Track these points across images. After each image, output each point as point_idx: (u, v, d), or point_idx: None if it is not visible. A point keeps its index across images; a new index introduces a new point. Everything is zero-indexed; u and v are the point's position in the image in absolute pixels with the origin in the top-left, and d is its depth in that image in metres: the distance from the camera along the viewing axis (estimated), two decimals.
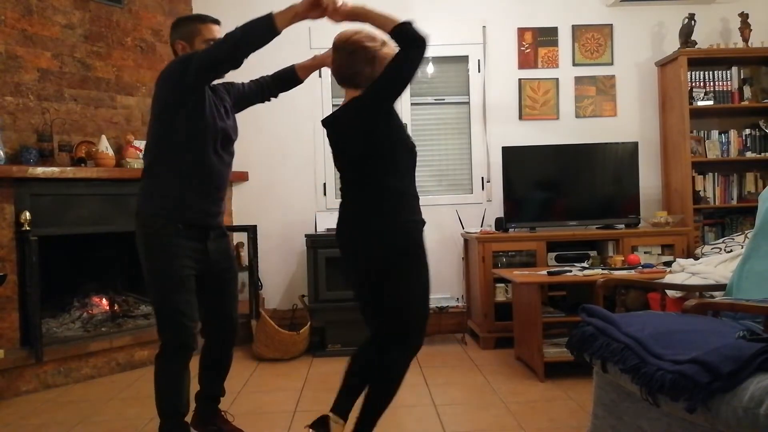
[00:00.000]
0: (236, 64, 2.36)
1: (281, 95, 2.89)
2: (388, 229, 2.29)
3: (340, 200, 2.38)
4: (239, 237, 4.62)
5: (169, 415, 2.46)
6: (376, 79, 2.21)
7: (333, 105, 4.85)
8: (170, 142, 2.43)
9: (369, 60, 2.26)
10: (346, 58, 2.27)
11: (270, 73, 2.87)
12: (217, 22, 2.59)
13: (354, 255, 2.31)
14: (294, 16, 2.29)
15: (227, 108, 2.59)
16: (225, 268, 2.63)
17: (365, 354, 2.33)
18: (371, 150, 2.28)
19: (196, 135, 2.42)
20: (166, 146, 2.45)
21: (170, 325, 2.42)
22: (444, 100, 4.99)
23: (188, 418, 2.55)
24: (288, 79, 2.82)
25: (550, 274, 3.66)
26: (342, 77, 2.30)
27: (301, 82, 2.85)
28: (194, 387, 2.74)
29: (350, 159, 2.32)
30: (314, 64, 2.82)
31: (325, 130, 2.39)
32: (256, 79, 2.82)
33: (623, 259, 3.95)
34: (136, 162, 4.07)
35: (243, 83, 2.77)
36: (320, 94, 4.83)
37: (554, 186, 4.61)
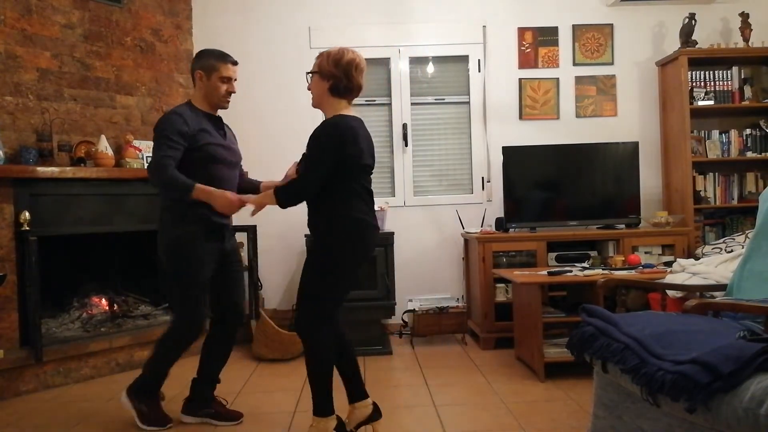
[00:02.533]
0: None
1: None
2: None
3: (366, 201, 2.61)
4: (239, 237, 4.55)
5: (152, 376, 2.90)
6: None
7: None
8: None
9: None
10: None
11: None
12: (235, 63, 2.90)
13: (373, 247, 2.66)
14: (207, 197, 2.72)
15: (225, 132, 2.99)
16: (235, 261, 3.03)
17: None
18: None
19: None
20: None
21: (189, 316, 2.82)
22: (444, 99, 4.99)
23: (176, 407, 3.00)
24: (250, 191, 3.06)
25: (550, 274, 3.65)
26: (359, 92, 2.67)
27: None
28: (186, 376, 2.81)
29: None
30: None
31: (359, 128, 2.57)
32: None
33: (624, 259, 3.94)
34: (135, 162, 4.07)
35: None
36: None
37: (555, 186, 4.61)
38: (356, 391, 2.68)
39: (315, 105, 2.68)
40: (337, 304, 2.61)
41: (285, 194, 2.54)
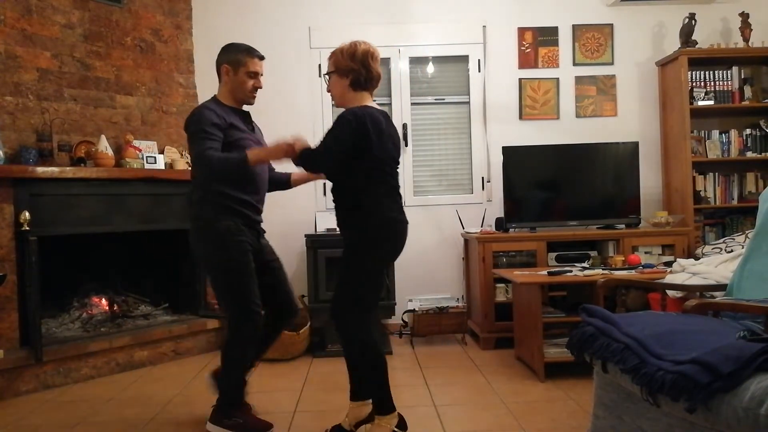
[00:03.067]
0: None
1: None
2: None
3: (396, 199, 2.64)
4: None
5: (232, 387, 2.78)
6: None
7: (333, 105, 4.84)
8: None
9: None
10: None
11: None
12: (262, 57, 2.85)
13: (403, 244, 2.65)
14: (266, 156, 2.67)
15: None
16: (274, 257, 2.98)
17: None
18: None
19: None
20: None
21: (245, 306, 2.71)
22: (444, 99, 4.99)
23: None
24: (280, 183, 3.11)
25: (550, 274, 3.65)
26: (379, 81, 2.63)
27: (289, 187, 3.19)
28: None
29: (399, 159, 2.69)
30: (309, 178, 3.09)
31: (384, 121, 2.54)
32: None
33: (624, 259, 3.94)
34: (135, 162, 4.07)
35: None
36: (320, 94, 4.82)
37: (555, 186, 4.61)
38: (360, 390, 2.68)
39: (339, 104, 2.66)
40: (376, 302, 2.62)
41: (305, 155, 2.49)
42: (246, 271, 2.72)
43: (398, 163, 2.65)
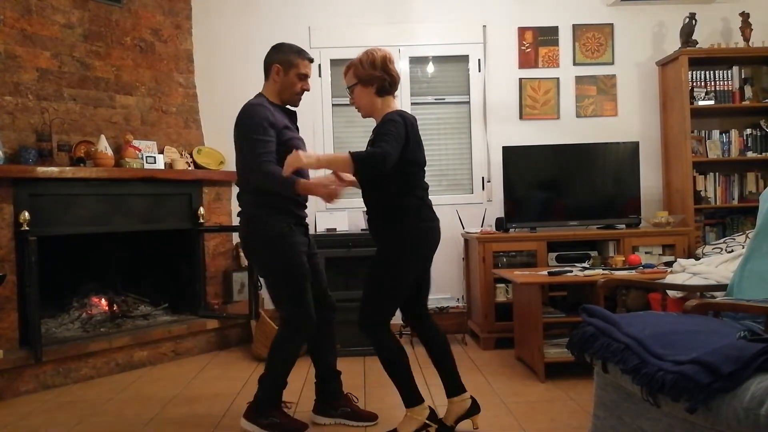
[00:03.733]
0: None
1: None
2: None
3: (430, 205, 2.71)
4: (237, 238, 4.60)
5: (274, 385, 2.77)
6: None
7: (333, 105, 4.86)
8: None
9: None
10: None
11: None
12: (312, 60, 2.87)
13: (438, 244, 2.72)
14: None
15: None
16: (315, 253, 2.97)
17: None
18: None
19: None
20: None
21: (303, 309, 2.73)
22: (444, 99, 4.98)
23: (308, 407, 2.98)
24: None
25: (550, 274, 3.64)
26: (399, 83, 2.71)
27: None
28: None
29: None
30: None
31: (415, 121, 2.67)
32: None
33: (624, 259, 3.94)
34: (135, 162, 4.07)
35: None
36: (320, 94, 4.82)
37: (555, 186, 4.60)
38: (451, 386, 2.73)
39: (367, 114, 2.69)
40: (398, 304, 2.67)
41: (365, 161, 2.42)
42: (302, 274, 2.73)
43: (425, 165, 2.71)
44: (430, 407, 2.68)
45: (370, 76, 2.57)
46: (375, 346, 2.63)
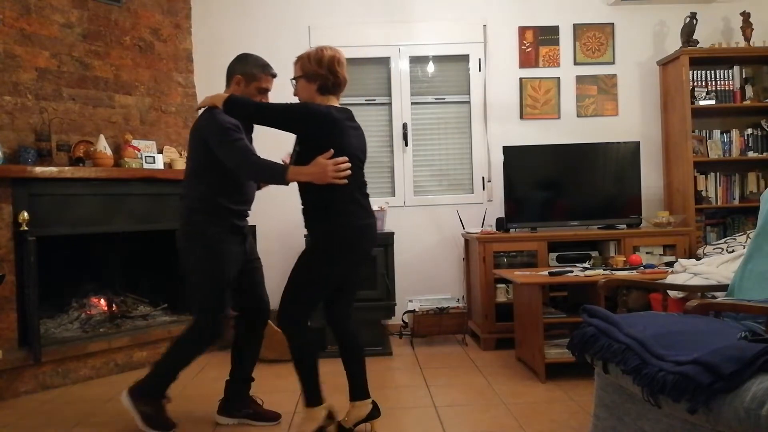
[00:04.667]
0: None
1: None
2: None
3: (362, 204, 2.64)
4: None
5: (163, 377, 2.83)
6: None
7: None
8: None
9: None
10: None
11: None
12: (275, 75, 2.90)
13: (373, 243, 2.71)
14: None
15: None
16: (254, 258, 3.01)
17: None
18: None
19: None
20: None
21: (211, 314, 2.78)
22: (444, 99, 4.98)
23: (213, 408, 2.99)
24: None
25: (551, 274, 3.64)
26: (345, 86, 2.68)
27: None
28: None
29: (365, 160, 2.72)
30: None
31: (345, 119, 2.59)
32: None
33: (625, 259, 3.93)
34: (134, 162, 4.06)
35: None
36: None
37: (555, 186, 4.59)
38: (356, 390, 2.71)
39: None
40: (317, 303, 2.66)
41: (232, 102, 2.57)
42: (224, 281, 2.78)
43: (363, 162, 2.68)
44: (329, 410, 2.67)
45: (315, 72, 2.57)
46: (288, 342, 2.62)
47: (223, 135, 2.64)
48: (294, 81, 2.67)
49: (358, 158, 2.61)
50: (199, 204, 2.77)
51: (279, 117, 2.54)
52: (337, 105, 2.64)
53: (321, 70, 2.57)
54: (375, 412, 2.72)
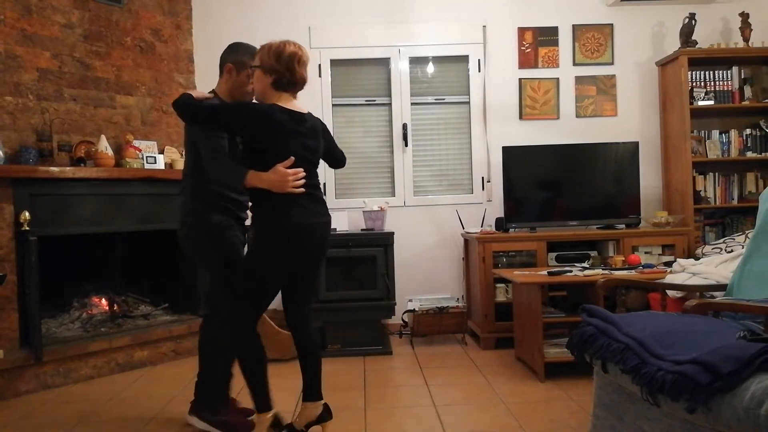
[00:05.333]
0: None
1: None
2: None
3: (305, 199, 2.52)
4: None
5: (219, 378, 2.86)
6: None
7: (333, 105, 4.85)
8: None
9: None
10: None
11: None
12: None
13: (318, 245, 2.60)
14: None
15: None
16: None
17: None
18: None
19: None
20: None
21: (243, 296, 2.65)
22: (444, 99, 4.99)
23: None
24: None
25: (550, 274, 3.65)
26: (303, 85, 2.59)
27: None
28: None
29: (318, 159, 2.64)
30: None
31: (290, 121, 2.48)
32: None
33: (624, 259, 3.94)
34: (135, 162, 4.07)
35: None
36: (320, 94, 4.82)
37: (555, 186, 4.60)
38: (309, 391, 2.68)
39: (258, 100, 2.60)
40: (261, 304, 2.57)
41: (182, 103, 2.50)
42: (239, 264, 2.71)
43: (315, 165, 2.58)
44: (275, 416, 2.63)
45: (271, 66, 2.47)
46: (234, 344, 2.61)
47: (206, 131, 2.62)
48: (251, 69, 2.59)
49: (305, 159, 2.50)
50: (201, 193, 2.72)
51: (219, 118, 2.47)
52: (290, 104, 2.52)
53: (278, 66, 2.47)
54: (326, 415, 2.67)
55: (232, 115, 2.48)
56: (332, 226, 4.47)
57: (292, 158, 2.44)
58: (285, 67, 2.47)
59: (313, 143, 2.57)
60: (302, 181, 2.45)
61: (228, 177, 2.58)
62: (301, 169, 2.45)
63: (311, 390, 2.68)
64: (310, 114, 2.60)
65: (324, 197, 2.68)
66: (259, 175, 2.43)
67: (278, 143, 2.45)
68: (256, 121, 2.43)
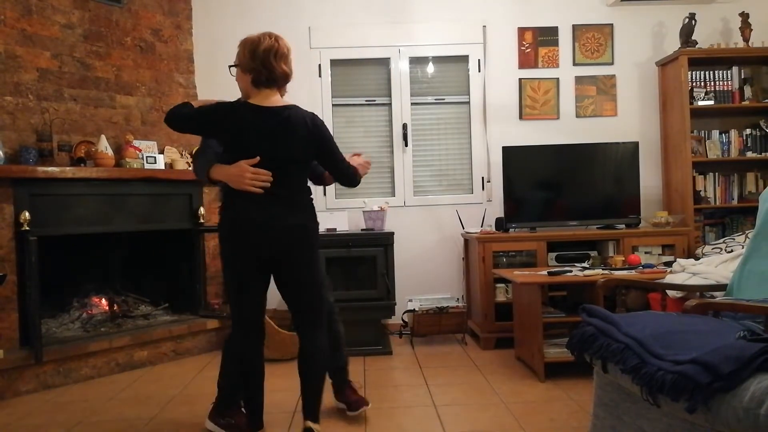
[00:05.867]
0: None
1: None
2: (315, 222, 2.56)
3: (261, 196, 2.40)
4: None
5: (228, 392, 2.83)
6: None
7: (333, 105, 4.85)
8: None
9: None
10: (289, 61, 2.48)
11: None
12: None
13: (278, 247, 2.43)
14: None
15: None
16: None
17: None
18: (312, 158, 2.53)
19: None
20: None
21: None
22: (444, 99, 4.99)
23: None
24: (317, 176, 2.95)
25: (550, 274, 3.65)
26: (287, 79, 2.47)
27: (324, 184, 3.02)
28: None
29: (295, 157, 2.45)
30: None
31: (257, 122, 2.39)
32: None
33: (624, 259, 3.94)
34: (135, 162, 4.07)
35: None
36: (320, 94, 4.82)
37: (555, 186, 4.60)
38: (304, 408, 2.52)
39: (243, 98, 2.51)
40: (238, 304, 2.47)
41: (168, 112, 2.52)
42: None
43: (291, 165, 2.44)
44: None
45: (247, 64, 2.39)
46: (234, 346, 2.59)
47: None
48: (231, 68, 2.49)
49: (274, 158, 2.39)
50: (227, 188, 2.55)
51: (191, 123, 2.46)
52: (268, 101, 2.42)
53: (253, 63, 2.37)
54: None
55: (201, 119, 2.43)
56: (332, 227, 4.52)
57: (257, 158, 2.35)
58: (261, 64, 2.36)
59: (286, 144, 2.40)
60: (263, 183, 2.35)
61: (197, 170, 2.62)
62: (267, 172, 2.35)
63: (305, 407, 2.51)
64: (295, 107, 2.45)
65: (308, 202, 2.53)
66: (222, 168, 2.41)
67: (237, 140, 2.38)
68: (219, 121, 2.40)
